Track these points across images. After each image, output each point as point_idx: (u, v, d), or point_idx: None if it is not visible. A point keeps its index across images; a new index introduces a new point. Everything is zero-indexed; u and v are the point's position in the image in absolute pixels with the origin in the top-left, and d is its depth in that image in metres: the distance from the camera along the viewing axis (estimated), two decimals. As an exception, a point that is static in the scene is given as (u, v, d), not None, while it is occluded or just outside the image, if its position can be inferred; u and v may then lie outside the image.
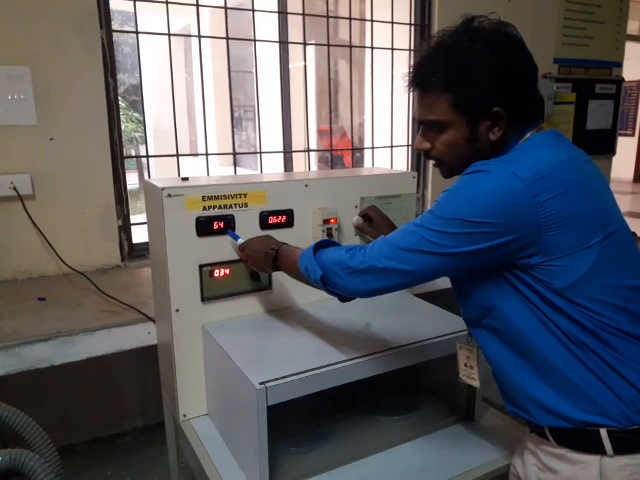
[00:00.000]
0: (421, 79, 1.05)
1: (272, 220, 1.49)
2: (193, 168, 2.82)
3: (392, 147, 3.21)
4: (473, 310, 1.10)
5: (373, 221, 1.58)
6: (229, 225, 1.43)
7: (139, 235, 2.43)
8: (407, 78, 1.09)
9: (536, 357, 1.00)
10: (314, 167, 4.74)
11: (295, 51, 2.91)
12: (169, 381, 1.51)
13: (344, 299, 1.18)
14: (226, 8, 2.56)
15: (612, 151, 4.05)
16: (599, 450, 0.97)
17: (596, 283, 0.95)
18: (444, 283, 1.20)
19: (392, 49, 3.06)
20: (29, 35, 2.07)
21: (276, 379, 1.13)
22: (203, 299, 1.43)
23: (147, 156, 2.58)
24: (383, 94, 3.17)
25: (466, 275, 1.06)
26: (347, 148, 4.84)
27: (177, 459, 1.84)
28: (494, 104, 1.00)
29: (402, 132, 3.25)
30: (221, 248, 1.44)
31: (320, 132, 6.67)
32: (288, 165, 2.96)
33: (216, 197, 1.40)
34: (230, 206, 1.43)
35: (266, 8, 2.81)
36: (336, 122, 5.53)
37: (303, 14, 2.78)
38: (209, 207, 1.40)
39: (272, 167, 3.22)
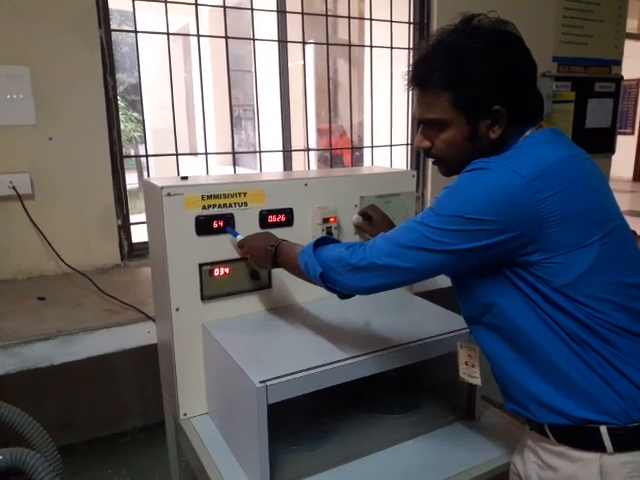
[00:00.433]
0: (421, 78, 1.05)
1: (272, 219, 1.49)
2: (192, 167, 2.82)
3: (391, 146, 3.21)
4: (473, 308, 1.10)
5: (373, 220, 1.58)
6: (229, 224, 1.43)
7: (139, 234, 2.42)
8: (406, 77, 1.09)
9: (536, 354, 1.00)
10: (313, 166, 4.74)
11: (294, 50, 2.91)
12: (169, 380, 1.51)
13: (344, 296, 1.18)
14: (225, 7, 2.56)
15: (611, 150, 4.06)
16: (599, 447, 0.97)
17: (596, 280, 0.95)
18: (444, 282, 1.20)
19: (391, 48, 3.06)
20: (28, 35, 2.07)
21: (276, 377, 1.13)
22: (203, 298, 1.43)
23: (146, 155, 2.58)
24: (382, 93, 3.16)
25: (466, 273, 1.06)
26: (346, 147, 4.84)
27: (178, 458, 1.84)
28: (494, 102, 1.00)
29: (401, 131, 3.25)
30: (221, 247, 1.44)
31: (319, 131, 6.67)
32: (287, 164, 2.96)
33: (216, 196, 1.40)
34: (230, 205, 1.43)
35: (265, 7, 2.81)
36: (335, 121, 5.53)
37: (302, 13, 2.78)
38: (209, 206, 1.40)
39: (271, 166, 3.22)
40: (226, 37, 2.57)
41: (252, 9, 2.65)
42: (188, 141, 7.34)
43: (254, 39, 2.75)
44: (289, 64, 2.85)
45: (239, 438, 1.28)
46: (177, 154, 2.55)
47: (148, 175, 2.73)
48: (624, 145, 6.89)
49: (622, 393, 0.96)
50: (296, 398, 1.16)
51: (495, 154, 1.01)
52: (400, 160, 3.29)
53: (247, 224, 1.45)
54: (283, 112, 2.85)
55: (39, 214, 2.16)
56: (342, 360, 1.21)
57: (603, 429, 0.96)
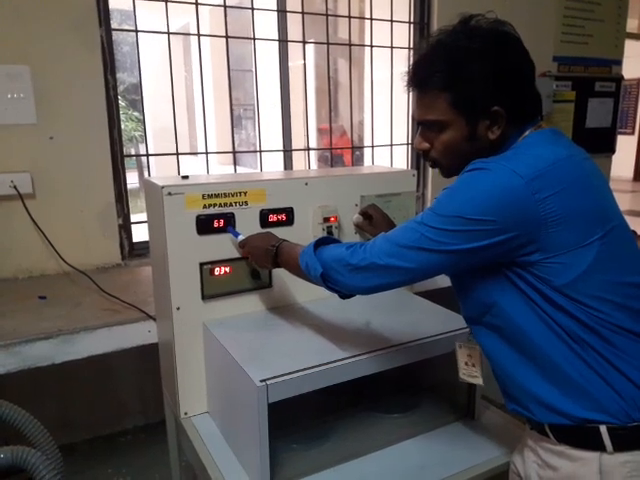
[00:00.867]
0: (420, 79, 1.05)
1: (272, 218, 1.50)
2: (193, 167, 2.82)
3: (392, 145, 3.21)
4: (473, 308, 1.10)
5: (373, 219, 1.58)
6: (229, 223, 1.43)
7: (139, 234, 2.43)
8: (405, 78, 1.09)
9: (536, 354, 1.01)
10: (314, 166, 4.74)
11: (294, 49, 2.91)
12: (170, 379, 1.51)
13: (344, 296, 1.19)
14: (225, 7, 2.56)
15: (612, 149, 4.06)
16: (599, 447, 0.97)
17: (596, 280, 0.96)
18: (444, 281, 1.20)
19: (391, 47, 3.07)
20: (28, 34, 2.07)
21: (277, 376, 1.13)
22: (204, 297, 1.44)
23: (147, 155, 2.59)
24: (383, 92, 3.17)
25: (466, 273, 1.06)
26: (347, 147, 4.84)
27: (178, 457, 1.85)
28: (493, 103, 1.00)
29: (402, 130, 3.25)
30: (221, 246, 1.44)
31: (320, 131, 6.68)
32: (288, 164, 2.96)
33: (216, 195, 1.41)
34: (230, 204, 1.43)
35: (265, 6, 2.81)
36: (336, 121, 5.53)
37: (302, 12, 2.78)
38: (209, 205, 1.40)
39: (272, 166, 3.22)
40: (226, 36, 2.57)
41: (252, 8, 2.65)
42: (188, 140, 7.34)
43: (254, 38, 2.75)
44: (289, 63, 2.86)
45: (239, 437, 1.28)
46: (177, 153, 2.55)
47: (149, 174, 2.73)
48: (624, 145, 6.89)
49: (622, 393, 0.96)
50: (296, 397, 1.16)
51: (494, 154, 1.01)
52: (400, 160, 3.29)
53: (248, 223, 1.45)
54: (283, 112, 2.86)
55: (40, 213, 2.16)
56: (342, 359, 1.22)
57: (603, 428, 0.96)
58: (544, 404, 1.01)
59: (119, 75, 2.44)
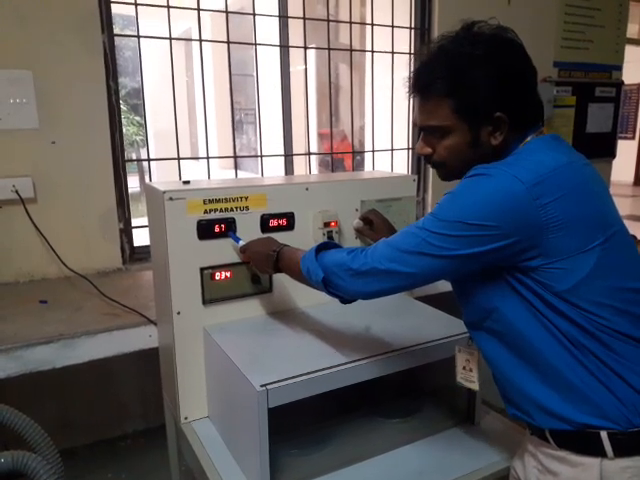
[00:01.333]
0: (422, 85, 1.05)
1: (273, 223, 1.50)
2: (194, 171, 2.83)
3: (392, 150, 3.22)
4: (474, 312, 1.10)
5: (374, 224, 1.59)
6: (230, 228, 1.43)
7: (140, 238, 2.43)
8: (407, 84, 1.09)
9: (537, 359, 1.01)
10: (315, 170, 4.74)
11: (296, 55, 2.92)
12: (170, 383, 1.51)
13: (346, 301, 1.19)
14: (227, 12, 2.57)
15: (612, 154, 4.06)
16: (599, 452, 0.97)
17: (596, 285, 0.96)
18: (445, 286, 1.20)
19: (392, 53, 3.07)
20: (31, 39, 2.08)
21: (277, 381, 1.13)
22: (204, 302, 1.44)
23: (148, 159, 2.59)
24: (383, 97, 3.17)
25: (467, 277, 1.06)
26: (348, 151, 4.85)
27: (178, 462, 1.84)
28: (496, 109, 1.00)
29: (402, 135, 3.26)
30: (222, 251, 1.44)
31: (321, 135, 6.68)
32: (289, 168, 2.96)
33: (217, 200, 1.41)
34: (231, 209, 1.44)
35: (267, 12, 2.82)
36: (336, 125, 5.54)
37: (304, 18, 2.79)
38: (210, 210, 1.41)
39: (273, 170, 3.23)
40: (228, 42, 2.58)
41: (254, 14, 2.66)
42: (190, 145, 7.35)
43: (256, 44, 2.76)
44: (291, 69, 2.86)
45: (240, 441, 1.28)
46: (179, 158, 2.56)
47: (150, 179, 2.74)
48: (625, 150, 6.89)
49: (623, 398, 0.96)
50: (296, 402, 1.16)
51: (496, 160, 1.02)
52: (401, 164, 3.30)
53: (248, 228, 1.46)
54: (284, 116, 2.86)
55: (41, 218, 2.17)
56: (342, 364, 1.22)
57: (604, 434, 0.96)
58: (544, 409, 1.01)
59: (121, 80, 2.45)
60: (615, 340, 0.96)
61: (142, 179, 7.59)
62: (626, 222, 1.06)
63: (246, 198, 1.45)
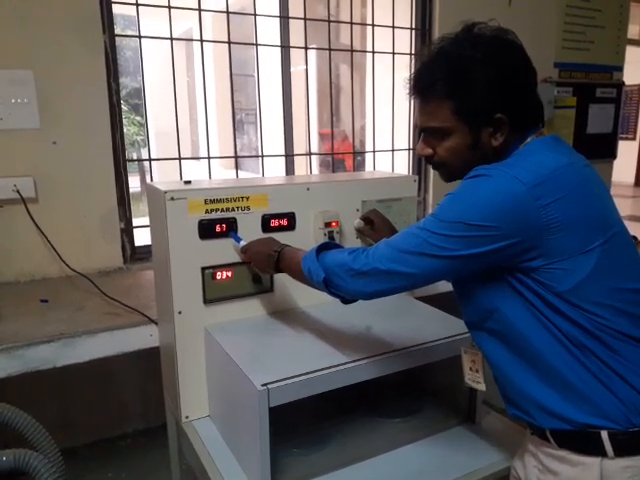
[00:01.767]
0: (423, 87, 1.06)
1: (274, 223, 1.50)
2: (195, 171, 2.83)
3: (393, 151, 3.22)
4: (474, 313, 1.10)
5: (374, 224, 1.59)
6: (231, 228, 1.44)
7: (141, 238, 2.43)
8: (408, 85, 1.09)
9: (537, 359, 1.01)
10: (315, 171, 4.75)
11: (297, 55, 2.92)
12: (171, 383, 1.51)
13: (347, 301, 1.19)
14: (228, 12, 2.57)
15: (613, 155, 4.06)
16: (600, 452, 0.97)
17: (597, 286, 0.96)
18: (445, 286, 1.20)
19: (393, 53, 3.08)
20: (32, 39, 2.08)
21: (278, 381, 1.13)
22: (205, 301, 1.44)
23: (149, 159, 2.60)
24: (384, 98, 3.18)
25: (468, 278, 1.06)
26: (348, 152, 4.85)
27: (179, 461, 1.85)
28: (496, 111, 1.00)
29: (403, 136, 3.26)
30: (223, 251, 1.44)
31: (321, 136, 6.68)
32: (289, 169, 2.97)
33: (218, 200, 1.41)
34: (232, 209, 1.44)
35: (268, 12, 2.82)
36: (337, 126, 5.55)
37: (305, 18, 2.80)
38: (211, 210, 1.41)
39: (273, 171, 3.23)
40: (229, 42, 2.59)
41: (255, 14, 2.66)
42: (190, 145, 7.36)
43: (257, 44, 2.77)
44: (291, 69, 2.87)
45: (240, 441, 1.29)
46: (180, 158, 2.56)
47: (151, 179, 2.74)
48: (626, 150, 6.90)
49: (623, 398, 0.96)
50: (297, 401, 1.16)
51: (496, 161, 1.02)
52: (402, 165, 3.30)
53: (250, 228, 1.46)
54: (285, 117, 2.87)
55: (42, 217, 2.17)
56: (343, 364, 1.22)
57: (604, 434, 0.97)
58: (545, 409, 1.02)
59: (122, 80, 2.46)
60: (615, 340, 0.97)
61: (143, 179, 7.59)
62: (627, 223, 1.06)
63: (247, 198, 1.45)
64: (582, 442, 0.99)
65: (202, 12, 2.50)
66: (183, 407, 1.46)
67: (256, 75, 2.74)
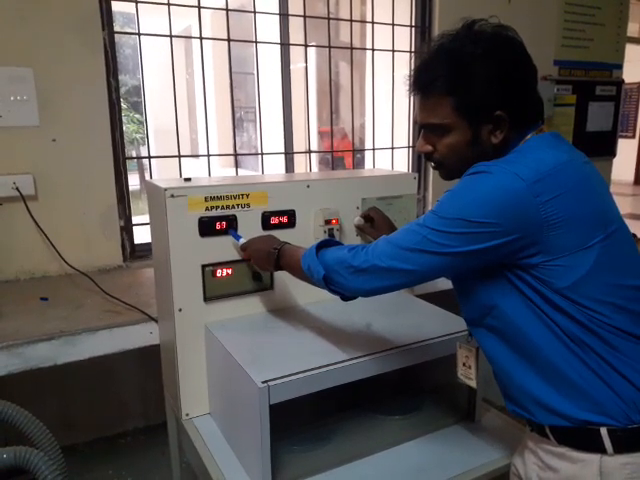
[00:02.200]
0: (422, 84, 1.06)
1: (274, 220, 1.50)
2: (194, 169, 2.83)
3: (393, 148, 3.22)
4: (474, 309, 1.10)
5: (374, 222, 1.59)
6: (231, 225, 1.44)
7: (141, 235, 2.43)
8: (408, 82, 1.09)
9: (537, 356, 1.01)
10: (315, 168, 4.74)
11: (296, 52, 2.92)
12: (171, 380, 1.51)
13: (346, 298, 1.19)
14: (227, 10, 2.57)
15: (613, 153, 4.06)
16: (599, 449, 0.97)
17: (597, 283, 0.96)
18: (445, 284, 1.20)
19: (393, 51, 3.08)
20: (31, 36, 2.08)
21: (278, 378, 1.14)
22: (205, 299, 1.44)
23: (149, 157, 2.59)
24: (384, 95, 3.18)
25: (467, 275, 1.06)
26: (348, 149, 4.85)
27: (179, 458, 1.85)
28: (496, 108, 1.00)
29: (403, 133, 3.26)
30: (223, 248, 1.45)
31: (321, 133, 6.67)
32: (289, 166, 2.97)
33: (218, 197, 1.41)
34: (232, 206, 1.44)
35: (267, 10, 2.82)
36: (337, 123, 5.54)
37: (304, 16, 2.79)
38: (211, 207, 1.41)
39: (273, 168, 3.23)
40: (228, 40, 2.58)
41: (255, 12, 2.66)
42: (190, 143, 7.35)
43: (256, 42, 2.76)
44: (291, 66, 2.87)
45: (241, 438, 1.29)
46: (179, 155, 2.56)
47: (150, 176, 2.74)
48: (625, 148, 6.89)
49: (622, 395, 0.97)
50: (297, 399, 1.16)
51: (496, 158, 1.02)
52: (402, 162, 3.30)
53: (250, 225, 1.46)
54: (285, 114, 2.86)
55: (42, 215, 2.17)
56: (343, 361, 1.22)
57: (603, 430, 0.97)
58: (544, 406, 1.02)
59: (121, 77, 2.45)
60: (615, 337, 0.97)
61: (142, 177, 7.59)
62: (626, 221, 1.06)
63: (247, 195, 1.45)
64: (581, 439, 0.99)
65: (201, 9, 2.50)
66: (183, 404, 1.46)
67: (255, 73, 2.73)
